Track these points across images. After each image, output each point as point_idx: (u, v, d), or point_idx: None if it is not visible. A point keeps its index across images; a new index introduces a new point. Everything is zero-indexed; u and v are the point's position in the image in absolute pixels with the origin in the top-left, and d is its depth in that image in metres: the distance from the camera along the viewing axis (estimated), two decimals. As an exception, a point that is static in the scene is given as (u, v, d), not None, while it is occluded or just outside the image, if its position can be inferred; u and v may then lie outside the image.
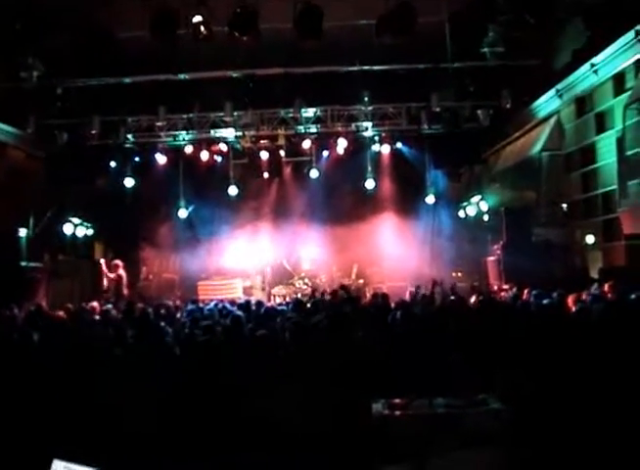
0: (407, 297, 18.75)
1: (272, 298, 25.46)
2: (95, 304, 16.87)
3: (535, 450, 7.25)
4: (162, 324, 12.16)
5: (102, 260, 24.49)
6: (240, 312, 13.26)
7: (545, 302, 12.68)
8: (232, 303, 18.50)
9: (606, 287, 14.35)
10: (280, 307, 15.95)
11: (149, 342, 10.53)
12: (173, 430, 7.93)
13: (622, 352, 8.39)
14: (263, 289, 26.60)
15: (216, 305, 17.18)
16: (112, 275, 23.42)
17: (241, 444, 7.71)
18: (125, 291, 23.43)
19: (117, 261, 23.92)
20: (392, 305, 14.79)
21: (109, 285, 23.37)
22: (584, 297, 13.16)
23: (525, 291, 15.41)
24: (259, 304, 15.85)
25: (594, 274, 18.80)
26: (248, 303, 16.52)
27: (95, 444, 7.32)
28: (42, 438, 7.44)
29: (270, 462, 7.35)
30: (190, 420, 8.00)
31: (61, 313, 14.53)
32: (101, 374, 8.82)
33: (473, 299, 16.39)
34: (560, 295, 13.34)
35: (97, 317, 14.95)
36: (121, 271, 23.51)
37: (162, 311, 15.30)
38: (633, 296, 11.30)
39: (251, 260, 27.18)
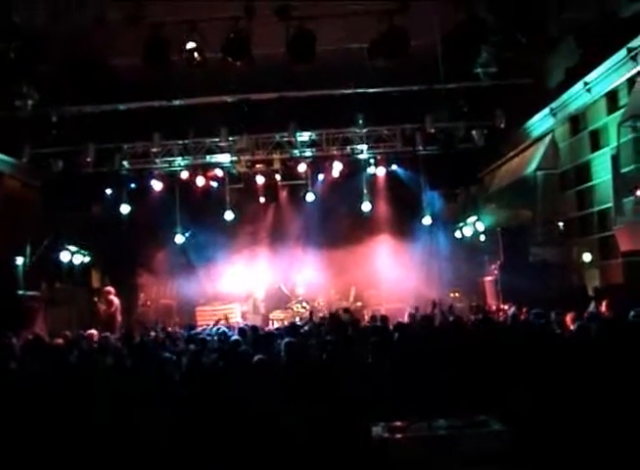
0: (406, 318, 18.72)
1: (270, 322, 25.39)
2: (93, 331, 16.83)
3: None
4: (164, 352, 12.15)
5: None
6: (238, 337, 13.23)
7: (543, 321, 12.66)
8: (230, 327, 18.48)
9: (603, 305, 14.33)
10: (278, 332, 15.92)
11: (148, 370, 10.49)
12: (175, 456, 7.90)
13: (621, 371, 8.37)
14: (261, 314, 26.54)
15: (217, 330, 17.17)
16: (102, 306, 23.40)
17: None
18: (119, 318, 23.37)
19: (109, 288, 23.91)
20: (391, 326, 14.77)
21: (102, 314, 23.32)
22: (583, 315, 13.14)
23: (524, 310, 15.40)
24: (255, 329, 15.79)
25: (592, 292, 18.77)
26: (245, 328, 16.47)
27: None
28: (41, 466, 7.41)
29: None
30: (191, 447, 7.96)
31: (59, 341, 14.49)
32: (100, 402, 8.78)
33: (472, 318, 16.38)
34: (558, 314, 13.33)
35: (95, 345, 14.89)
36: (113, 298, 23.47)
37: (162, 336, 15.27)
38: (632, 313, 11.27)
39: (248, 285, 27.15)
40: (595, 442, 7.42)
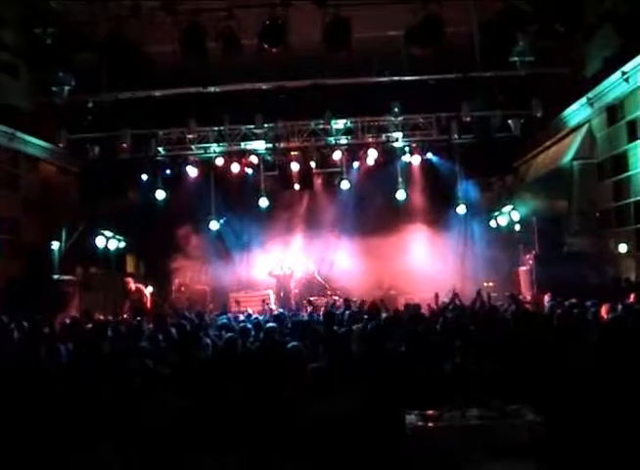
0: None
1: (305, 308, 25.36)
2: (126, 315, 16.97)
3: (569, 464, 7.19)
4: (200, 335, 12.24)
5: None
6: (274, 324, 13.24)
7: (579, 312, 12.59)
8: (265, 314, 18.54)
9: (632, 298, 14.24)
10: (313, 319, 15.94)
11: (187, 354, 10.54)
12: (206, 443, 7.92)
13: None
14: (295, 300, 26.54)
15: (249, 316, 17.22)
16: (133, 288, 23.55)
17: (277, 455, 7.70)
18: (148, 303, 23.50)
19: (127, 279, 24.09)
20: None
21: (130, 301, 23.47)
22: (618, 307, 13.04)
23: (559, 300, 15.31)
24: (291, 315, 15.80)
25: (626, 284, 18.62)
26: (280, 315, 16.48)
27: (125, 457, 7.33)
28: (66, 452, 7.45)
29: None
30: (222, 433, 7.98)
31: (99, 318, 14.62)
32: (138, 387, 8.82)
33: (506, 308, 16.30)
34: (594, 305, 13.25)
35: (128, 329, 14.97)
36: (132, 286, 23.59)
37: (197, 322, 15.32)
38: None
39: (282, 272, 27.18)
40: (630, 436, 7.37)
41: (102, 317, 18.44)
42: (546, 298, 17.11)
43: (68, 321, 15.52)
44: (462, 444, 7.52)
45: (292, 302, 26.03)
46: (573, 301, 14.20)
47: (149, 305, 23.41)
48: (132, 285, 23.67)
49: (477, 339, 10.87)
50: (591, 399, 7.90)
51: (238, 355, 10.34)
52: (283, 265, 27.18)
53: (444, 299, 17.93)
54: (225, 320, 16.26)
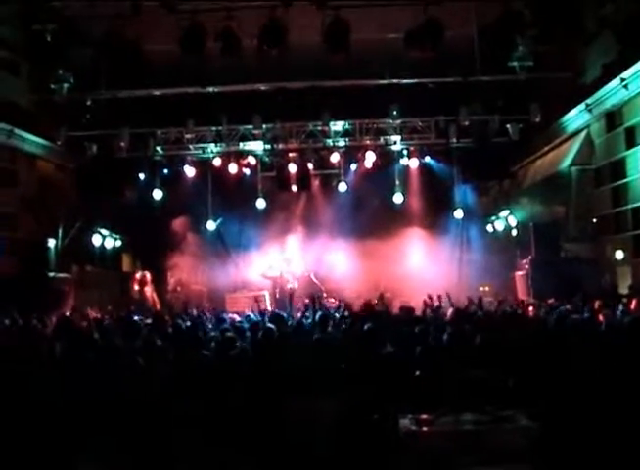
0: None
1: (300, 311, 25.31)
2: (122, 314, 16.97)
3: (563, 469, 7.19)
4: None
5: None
6: (271, 325, 13.20)
7: (575, 317, 12.57)
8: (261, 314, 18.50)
9: (633, 303, 14.23)
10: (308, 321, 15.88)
11: (184, 353, 10.52)
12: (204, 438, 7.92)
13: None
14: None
15: (247, 317, 17.18)
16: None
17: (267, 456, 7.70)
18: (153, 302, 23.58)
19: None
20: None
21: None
22: (614, 313, 13.05)
23: (554, 304, 15.32)
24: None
25: (622, 290, 18.64)
26: (278, 315, 16.42)
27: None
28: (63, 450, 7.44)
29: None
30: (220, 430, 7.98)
31: (94, 315, 14.60)
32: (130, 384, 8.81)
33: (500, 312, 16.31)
34: (590, 311, 13.25)
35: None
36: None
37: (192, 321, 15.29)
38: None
39: (278, 273, 27.18)
40: (622, 440, 7.36)
41: (97, 315, 18.44)
42: (544, 303, 17.12)
43: (60, 319, 15.49)
44: (455, 448, 7.51)
45: (287, 303, 25.98)
46: (568, 307, 14.22)
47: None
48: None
49: (472, 343, 10.85)
50: (586, 405, 7.89)
51: (234, 356, 10.30)
52: (278, 267, 27.18)
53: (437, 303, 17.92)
54: (222, 320, 16.24)
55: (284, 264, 27.35)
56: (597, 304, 13.69)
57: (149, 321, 15.07)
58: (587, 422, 7.61)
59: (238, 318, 17.03)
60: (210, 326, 15.38)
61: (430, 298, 17.76)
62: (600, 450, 7.23)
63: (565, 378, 8.52)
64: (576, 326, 11.71)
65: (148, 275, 25.51)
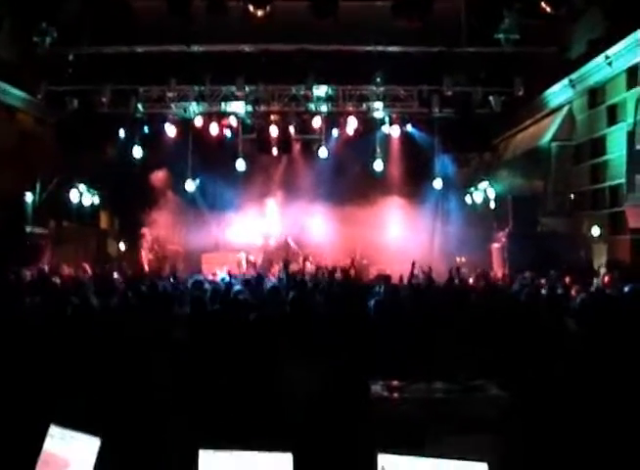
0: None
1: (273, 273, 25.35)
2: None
3: (533, 439, 7.25)
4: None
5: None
6: (242, 288, 13.24)
7: (548, 291, 12.69)
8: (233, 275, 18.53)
9: (606, 279, 14.35)
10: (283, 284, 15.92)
11: (155, 313, 10.53)
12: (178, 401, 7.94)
13: (619, 346, 8.37)
14: (266, 265, 26.55)
15: (222, 279, 17.21)
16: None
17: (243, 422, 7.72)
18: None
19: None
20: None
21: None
22: (587, 288, 13.15)
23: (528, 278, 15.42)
24: (260, 280, 15.76)
25: (597, 266, 18.77)
26: (250, 279, 16.46)
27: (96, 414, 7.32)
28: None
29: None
30: (192, 392, 8.00)
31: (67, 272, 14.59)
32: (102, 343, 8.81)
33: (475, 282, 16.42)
34: (564, 286, 13.36)
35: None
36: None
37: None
38: (627, 288, 11.13)
39: (255, 236, 27.23)
40: (590, 408, 7.44)
41: (72, 272, 18.41)
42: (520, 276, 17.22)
43: (36, 274, 15.48)
44: (425, 416, 7.58)
45: (262, 265, 26.04)
46: (542, 280, 14.33)
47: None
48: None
49: (446, 314, 10.92)
50: (555, 375, 7.97)
51: (204, 316, 10.31)
52: (258, 230, 27.26)
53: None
54: (197, 280, 16.27)
55: (262, 227, 27.45)
56: (567, 279, 13.79)
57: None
58: (556, 391, 7.69)
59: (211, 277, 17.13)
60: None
61: (413, 265, 17.75)
62: (569, 420, 7.30)
63: (535, 349, 8.60)
64: (548, 299, 11.84)
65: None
